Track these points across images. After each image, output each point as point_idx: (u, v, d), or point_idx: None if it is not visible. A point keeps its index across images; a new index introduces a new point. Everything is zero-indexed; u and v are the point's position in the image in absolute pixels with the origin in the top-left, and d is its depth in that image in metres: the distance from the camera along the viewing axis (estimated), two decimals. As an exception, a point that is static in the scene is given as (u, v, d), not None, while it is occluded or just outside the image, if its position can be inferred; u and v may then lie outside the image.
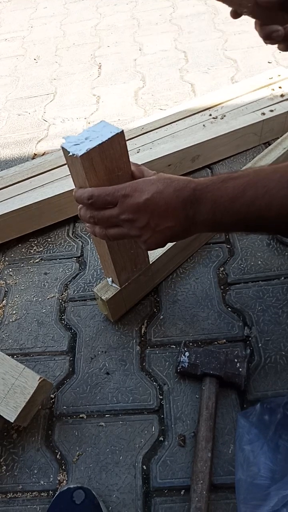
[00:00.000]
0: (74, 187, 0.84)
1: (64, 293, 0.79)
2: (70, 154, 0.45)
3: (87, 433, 0.60)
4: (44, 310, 0.76)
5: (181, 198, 0.44)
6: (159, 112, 1.14)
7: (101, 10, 1.87)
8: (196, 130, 1.00)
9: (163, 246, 0.49)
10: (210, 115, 1.04)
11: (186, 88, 1.30)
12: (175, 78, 1.35)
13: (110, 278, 0.66)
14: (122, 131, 0.47)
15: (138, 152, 0.96)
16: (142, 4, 1.84)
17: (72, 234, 0.90)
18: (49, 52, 1.64)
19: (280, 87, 1.07)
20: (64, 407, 0.63)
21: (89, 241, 0.88)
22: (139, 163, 0.91)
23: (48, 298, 0.78)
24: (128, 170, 0.50)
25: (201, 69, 1.36)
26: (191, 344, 0.66)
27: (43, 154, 1.13)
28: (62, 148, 0.46)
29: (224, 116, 1.02)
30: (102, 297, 0.66)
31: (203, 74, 1.34)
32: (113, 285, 0.67)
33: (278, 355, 0.62)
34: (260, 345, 0.64)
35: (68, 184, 0.88)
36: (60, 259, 0.85)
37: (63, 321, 0.74)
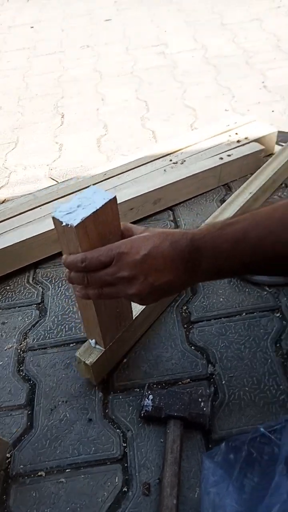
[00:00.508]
0: (35, 234, 0.92)
1: (23, 342, 0.82)
2: (64, 224, 0.47)
3: (46, 492, 0.61)
4: (0, 363, 0.79)
5: (178, 250, 0.47)
6: (121, 158, 1.25)
7: (64, 64, 2.07)
8: (157, 175, 1.11)
9: (158, 300, 0.51)
10: (171, 160, 1.16)
11: (147, 135, 1.44)
12: (137, 125, 1.50)
13: (94, 340, 0.68)
14: (115, 197, 0.51)
15: (99, 197, 1.05)
16: (104, 57, 2.07)
17: (33, 281, 0.95)
18: (11, 102, 1.79)
19: (236, 133, 1.22)
20: (21, 466, 0.64)
21: (50, 286, 0.93)
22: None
23: (5, 349, 0.81)
24: (118, 232, 0.54)
25: (162, 117, 1.52)
26: (155, 386, 0.70)
27: (3, 202, 1.21)
28: (54, 218, 0.49)
29: (184, 161, 1.15)
30: (86, 362, 0.67)
31: (164, 121, 1.49)
32: (97, 347, 0.68)
33: (242, 391, 0.67)
34: (223, 382, 0.69)
35: (28, 231, 0.95)
36: (19, 307, 0.89)
37: (21, 373, 0.76)
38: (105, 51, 2.14)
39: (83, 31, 2.43)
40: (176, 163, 1.15)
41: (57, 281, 0.94)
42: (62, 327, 0.84)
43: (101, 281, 0.50)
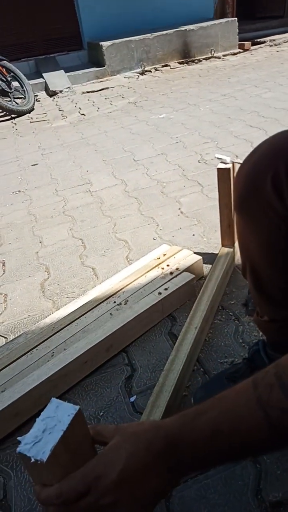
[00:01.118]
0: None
1: None
2: (33, 460, 0.42)
3: None
4: None
5: (155, 453, 0.43)
6: (67, 304, 1.24)
7: (-1, 209, 2.13)
8: (104, 320, 1.10)
9: (155, 506, 0.46)
10: (115, 302, 1.17)
11: (88, 272, 1.47)
12: (77, 264, 1.53)
13: None
14: (79, 409, 0.46)
15: (52, 355, 1.01)
16: (36, 201, 2.17)
17: (-8, 469, 0.83)
18: None
19: (167, 265, 1.29)
20: None
21: (11, 474, 0.82)
22: (56, 369, 0.95)
23: None
24: (89, 440, 0.49)
25: (99, 253, 1.58)
26: None
27: None
28: (20, 454, 0.43)
29: (127, 301, 1.16)
30: None
31: (101, 257, 1.55)
32: None
33: None
34: None
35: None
36: (-21, 509, 0.76)
37: None
38: (36, 194, 2.25)
39: (13, 177, 2.57)
40: (120, 304, 1.16)
41: (18, 465, 0.83)
42: (32, 527, 0.72)
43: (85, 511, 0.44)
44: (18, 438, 0.45)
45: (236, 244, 1.36)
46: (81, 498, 0.43)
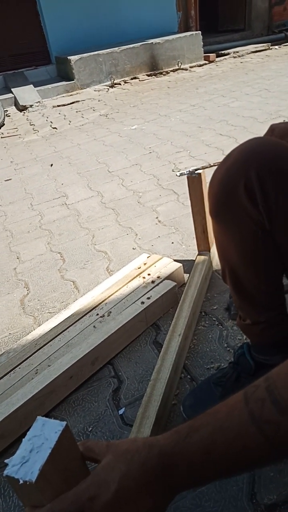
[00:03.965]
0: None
1: None
2: (21, 481, 0.40)
3: None
4: None
5: (150, 472, 0.42)
6: (49, 319, 1.22)
7: (-27, 227, 2.08)
8: (88, 334, 1.09)
9: None
10: (97, 314, 1.16)
11: (68, 286, 1.45)
12: (57, 278, 1.51)
13: None
14: (67, 424, 0.45)
15: (36, 373, 0.98)
16: (11, 216, 2.13)
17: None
18: None
19: (149, 274, 1.29)
20: None
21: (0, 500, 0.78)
22: (40, 386, 0.92)
23: None
24: (78, 456, 0.47)
25: (78, 266, 1.56)
26: None
27: None
28: (8, 476, 0.41)
29: (110, 312, 1.15)
30: None
31: (81, 270, 1.53)
32: None
33: None
34: None
35: None
36: None
37: None
38: (11, 209, 2.21)
39: (-13, 193, 2.52)
40: (103, 316, 1.15)
41: (6, 489, 0.80)
42: None
43: None
44: (6, 460, 0.44)
45: (213, 249, 1.38)
46: None
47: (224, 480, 0.72)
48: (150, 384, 0.88)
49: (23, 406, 0.87)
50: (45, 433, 0.45)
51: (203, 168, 1.26)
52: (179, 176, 1.27)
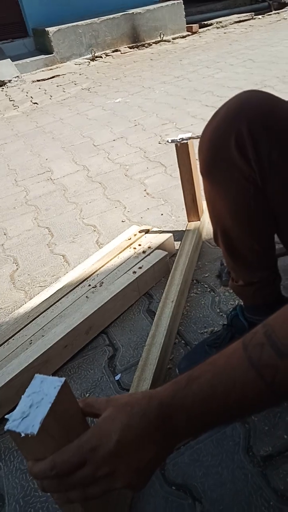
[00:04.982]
0: None
1: None
2: (23, 435, 0.41)
3: None
4: None
5: (150, 421, 0.42)
6: (40, 292, 1.20)
7: None
8: (81, 304, 1.08)
9: (150, 477, 0.45)
10: (89, 285, 1.15)
11: (58, 260, 1.43)
12: (46, 253, 1.48)
13: None
14: (65, 380, 0.45)
15: (30, 343, 0.97)
16: (-5, 193, 2.07)
17: (-21, 465, 0.79)
18: None
19: (139, 245, 1.28)
20: None
21: (1, 464, 0.79)
22: (35, 355, 0.92)
23: None
24: (79, 411, 0.48)
25: (67, 240, 1.53)
26: None
27: None
28: (10, 431, 0.42)
29: (102, 283, 1.14)
30: None
31: (70, 244, 1.51)
32: None
33: (237, 523, 0.62)
34: (217, 519, 0.63)
35: None
36: None
37: None
38: (-6, 186, 2.15)
39: None
40: (95, 286, 1.14)
41: (7, 454, 0.80)
42: (30, 515, 0.70)
43: (80, 484, 0.42)
44: (6, 416, 0.43)
45: (203, 218, 1.37)
46: (76, 471, 0.42)
47: (221, 436, 0.74)
48: (145, 349, 0.89)
49: (19, 375, 0.87)
50: (44, 389, 0.45)
51: (197, 137, 1.24)
52: (170, 143, 1.24)
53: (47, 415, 0.42)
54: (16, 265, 1.45)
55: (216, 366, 0.43)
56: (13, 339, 1.00)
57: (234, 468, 0.69)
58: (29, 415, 0.42)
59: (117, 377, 0.92)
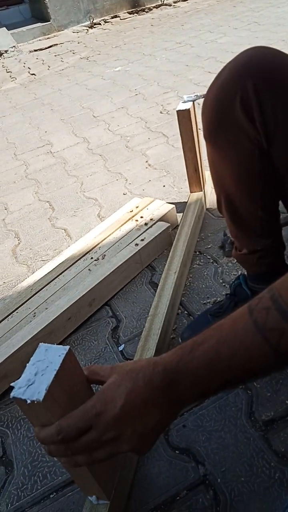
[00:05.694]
0: None
1: (-4, 513, 0.68)
2: (29, 401, 0.41)
3: None
4: None
5: (155, 388, 0.42)
6: (42, 266, 1.20)
7: None
8: (83, 276, 1.07)
9: (156, 442, 0.46)
10: (92, 258, 1.14)
11: (60, 234, 1.41)
12: (47, 227, 1.47)
13: (94, 496, 0.58)
14: (69, 348, 0.46)
15: (34, 316, 0.98)
16: (-5, 167, 2.04)
17: (-12, 432, 0.82)
18: None
19: (141, 217, 1.26)
20: None
21: (8, 432, 0.81)
22: (39, 327, 0.93)
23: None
24: (84, 379, 0.48)
25: (69, 214, 1.52)
26: (155, 513, 0.62)
27: None
28: (15, 398, 0.42)
29: (104, 255, 1.13)
30: None
31: (72, 217, 1.49)
32: (100, 502, 0.58)
33: (239, 483, 0.63)
34: (219, 480, 0.64)
35: None
36: (-20, 470, 0.75)
37: None
38: (-6, 160, 2.11)
39: None
40: (98, 259, 1.13)
41: (14, 423, 0.82)
42: (36, 478, 0.72)
43: (87, 448, 0.43)
44: (11, 384, 0.43)
45: (205, 188, 1.34)
46: (82, 435, 0.43)
47: (224, 402, 0.75)
48: (148, 319, 0.89)
49: (24, 346, 0.88)
50: (48, 357, 0.45)
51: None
52: (186, 102, 1.18)
53: (52, 382, 0.42)
54: (18, 240, 1.44)
55: (222, 330, 0.42)
56: (17, 312, 1.00)
57: (236, 433, 0.70)
58: (35, 382, 0.43)
59: (120, 348, 0.93)
